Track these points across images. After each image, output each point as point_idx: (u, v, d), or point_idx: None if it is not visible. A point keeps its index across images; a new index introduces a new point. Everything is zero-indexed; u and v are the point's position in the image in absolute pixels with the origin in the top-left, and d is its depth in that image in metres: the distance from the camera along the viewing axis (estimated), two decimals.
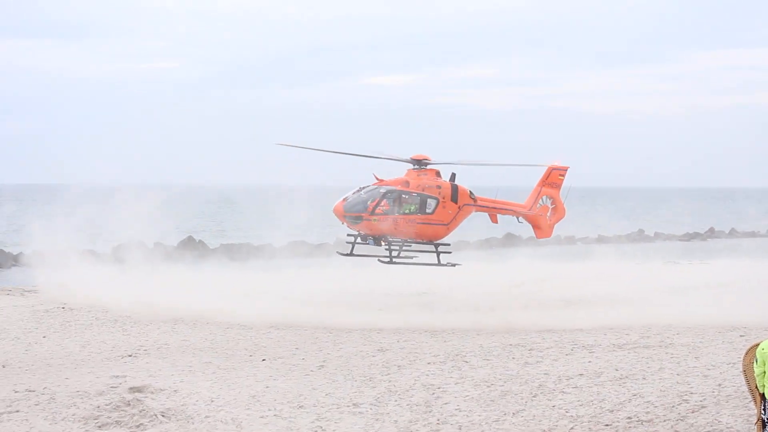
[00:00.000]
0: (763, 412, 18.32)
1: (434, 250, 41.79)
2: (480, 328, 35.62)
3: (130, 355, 30.75)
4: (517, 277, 51.75)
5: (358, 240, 41.69)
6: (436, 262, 41.53)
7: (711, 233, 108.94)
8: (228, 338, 33.62)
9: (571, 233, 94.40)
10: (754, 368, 18.42)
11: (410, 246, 41.63)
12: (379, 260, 41.26)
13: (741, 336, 33.42)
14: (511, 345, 32.42)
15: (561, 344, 32.47)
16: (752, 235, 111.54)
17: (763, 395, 18.25)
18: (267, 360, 30.03)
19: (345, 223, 41.45)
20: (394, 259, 41.25)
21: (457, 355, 30.76)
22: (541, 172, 45.00)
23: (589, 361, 29.39)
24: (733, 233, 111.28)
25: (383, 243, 41.31)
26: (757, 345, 18.65)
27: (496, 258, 46.90)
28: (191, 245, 76.74)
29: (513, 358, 30.21)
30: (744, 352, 19.50)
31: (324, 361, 29.77)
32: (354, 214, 40.48)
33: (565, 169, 45.11)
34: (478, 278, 49.38)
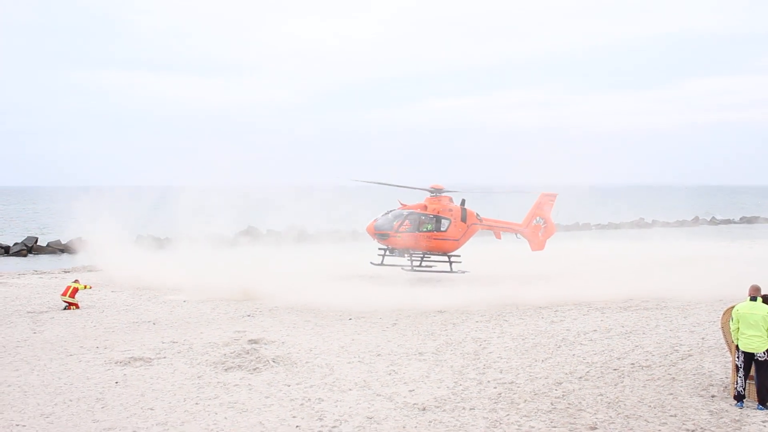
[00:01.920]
0: (737, 359, 18.14)
1: (447, 260, 41.44)
2: (514, 295, 35.14)
3: (248, 315, 31.01)
4: (541, 255, 51.14)
5: (387, 253, 41.28)
6: (449, 270, 41.12)
7: (696, 221, 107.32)
8: (321, 302, 33.64)
9: (587, 220, 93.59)
10: (731, 325, 18.26)
11: (429, 257, 41.39)
12: (402, 269, 40.79)
13: (719, 300, 32.97)
14: (540, 307, 32.24)
15: (579, 307, 32.25)
16: (728, 222, 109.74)
17: (737, 346, 18.08)
18: (353, 319, 30.14)
19: (376, 240, 41.22)
20: (414, 268, 40.83)
21: (498, 315, 30.67)
22: (535, 197, 44.84)
23: (601, 320, 29.19)
24: (713, 221, 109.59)
25: (406, 255, 40.99)
26: (733, 307, 18.48)
27: (514, 240, 45.96)
28: (294, 231, 76.50)
29: (542, 317, 30.05)
30: (722, 312, 19.32)
31: (396, 320, 29.81)
32: (383, 232, 40.39)
33: (555, 195, 44.94)
34: (506, 258, 48.42)
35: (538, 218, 44.26)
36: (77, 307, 32.65)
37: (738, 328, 17.96)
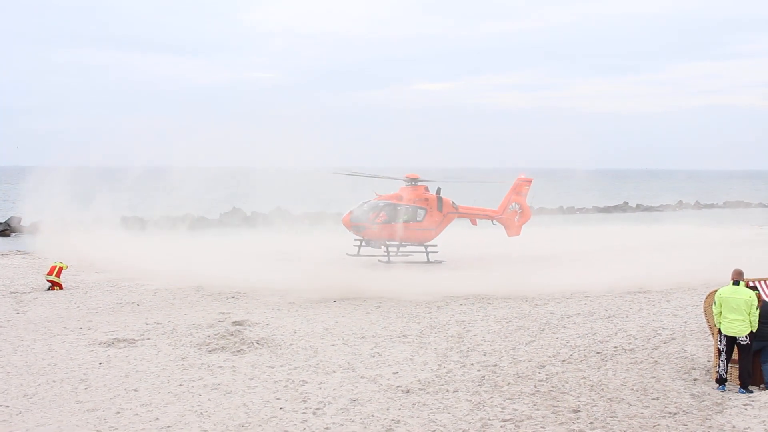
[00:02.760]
0: (719, 342, 18.24)
1: (424, 250, 41.14)
2: (497, 278, 35.11)
3: (232, 297, 30.98)
4: (527, 240, 51.14)
5: (363, 244, 40.87)
6: (426, 261, 40.83)
7: (680, 205, 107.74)
8: (305, 284, 33.55)
9: (571, 204, 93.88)
10: (713, 309, 18.35)
11: (405, 247, 41.00)
12: (378, 260, 40.22)
13: (702, 284, 33.08)
14: (524, 291, 32.25)
15: (563, 290, 32.31)
16: (711, 206, 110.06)
17: (719, 330, 18.18)
18: (337, 301, 30.15)
19: (352, 231, 40.78)
20: (391, 259, 40.44)
21: (483, 298, 30.72)
22: (510, 183, 44.73)
23: (585, 304, 29.29)
24: (697, 205, 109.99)
25: (383, 246, 40.57)
26: (716, 291, 18.57)
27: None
28: (279, 213, 76.12)
29: (526, 300, 30.13)
30: (704, 296, 19.42)
31: (380, 303, 29.84)
32: (358, 224, 39.97)
33: (530, 181, 44.80)
34: (489, 242, 48.31)
35: (513, 204, 44.11)
36: (60, 287, 32.54)
37: (720, 312, 18.05)
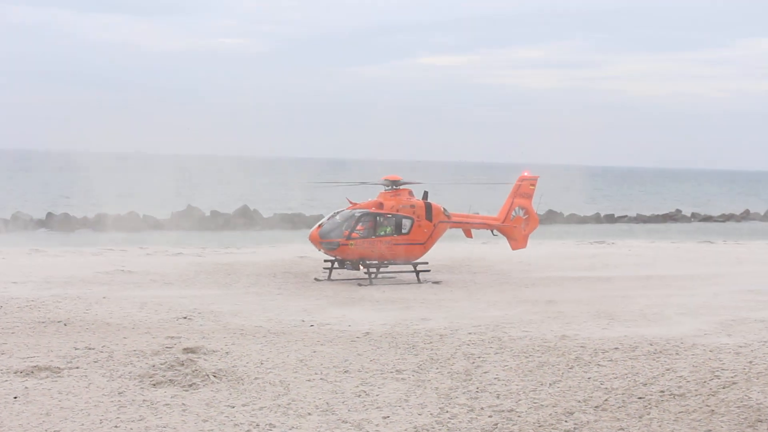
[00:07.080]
0: None
1: (413, 269, 41.22)
2: (517, 298, 35.24)
3: (185, 318, 30.92)
4: (559, 251, 51.43)
5: (335, 266, 40.91)
6: (417, 281, 40.83)
7: (746, 215, 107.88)
8: (277, 304, 33.64)
9: (611, 211, 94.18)
10: None
11: (387, 267, 41.12)
12: (359, 284, 39.88)
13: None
14: (549, 317, 32.26)
15: (597, 318, 32.30)
16: None
17: None
18: (315, 326, 30.11)
19: (322, 250, 40.78)
20: (373, 281, 40.31)
21: (496, 325, 30.67)
22: (512, 184, 44.81)
23: (625, 335, 29.23)
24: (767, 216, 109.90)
25: (361, 267, 40.54)
26: None
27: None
28: (247, 214, 76.29)
29: (551, 330, 30.10)
30: None
31: (369, 329, 29.80)
32: (330, 240, 39.84)
33: (536, 179, 44.80)
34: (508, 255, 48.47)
35: (517, 209, 44.01)
36: None
37: None
